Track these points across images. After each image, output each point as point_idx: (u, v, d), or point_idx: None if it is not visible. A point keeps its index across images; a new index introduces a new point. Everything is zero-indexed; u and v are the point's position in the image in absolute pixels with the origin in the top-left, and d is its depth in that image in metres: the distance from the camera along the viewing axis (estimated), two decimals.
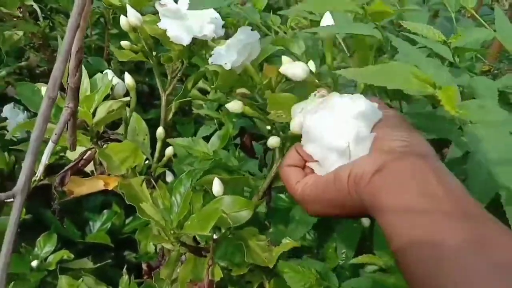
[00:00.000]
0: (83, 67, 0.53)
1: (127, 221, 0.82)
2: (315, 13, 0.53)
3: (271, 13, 0.71)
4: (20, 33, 0.89)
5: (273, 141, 0.51)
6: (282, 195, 0.66)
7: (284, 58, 0.47)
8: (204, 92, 0.77)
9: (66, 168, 0.52)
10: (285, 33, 0.64)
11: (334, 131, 0.37)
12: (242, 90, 0.54)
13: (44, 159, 0.26)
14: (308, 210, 0.39)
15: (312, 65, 0.50)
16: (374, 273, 0.57)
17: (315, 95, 0.41)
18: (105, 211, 0.81)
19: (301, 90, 0.46)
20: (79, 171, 0.53)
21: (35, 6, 0.93)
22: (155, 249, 0.73)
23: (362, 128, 0.36)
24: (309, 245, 0.65)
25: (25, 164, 0.22)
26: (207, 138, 0.74)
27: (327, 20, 0.47)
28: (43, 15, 0.96)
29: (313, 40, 0.62)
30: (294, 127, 0.42)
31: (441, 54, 0.43)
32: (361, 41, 0.43)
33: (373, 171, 0.32)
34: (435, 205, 0.29)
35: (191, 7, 0.41)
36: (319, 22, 0.47)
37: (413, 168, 0.31)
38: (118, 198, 0.63)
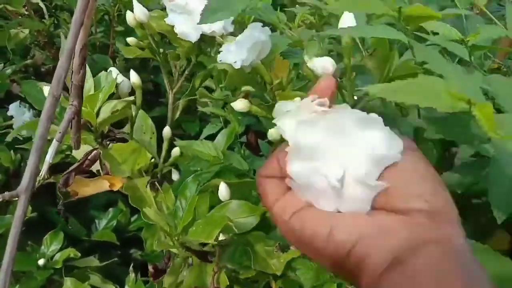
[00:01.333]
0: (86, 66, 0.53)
1: (132, 219, 0.82)
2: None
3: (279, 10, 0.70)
4: (26, 31, 0.89)
5: (273, 132, 0.48)
6: None
7: (305, 57, 0.44)
8: (210, 90, 0.77)
9: (70, 169, 0.51)
10: (290, 29, 0.63)
11: (333, 155, 0.29)
12: (247, 88, 0.53)
13: (48, 158, 0.26)
14: (287, 238, 0.31)
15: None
16: None
17: (313, 100, 0.30)
18: (110, 209, 0.82)
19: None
20: (84, 171, 0.52)
21: (41, 3, 0.93)
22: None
23: (370, 167, 0.28)
24: None
25: (29, 163, 0.22)
26: (212, 136, 0.74)
27: (347, 19, 0.42)
28: (48, 12, 0.96)
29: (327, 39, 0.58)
30: (272, 133, 0.37)
31: (455, 53, 0.41)
32: (381, 40, 0.40)
33: (385, 266, 0.26)
34: None
35: (202, 21, 0.39)
36: (326, 18, 0.45)
37: (432, 265, 0.26)
38: (124, 196, 0.64)
